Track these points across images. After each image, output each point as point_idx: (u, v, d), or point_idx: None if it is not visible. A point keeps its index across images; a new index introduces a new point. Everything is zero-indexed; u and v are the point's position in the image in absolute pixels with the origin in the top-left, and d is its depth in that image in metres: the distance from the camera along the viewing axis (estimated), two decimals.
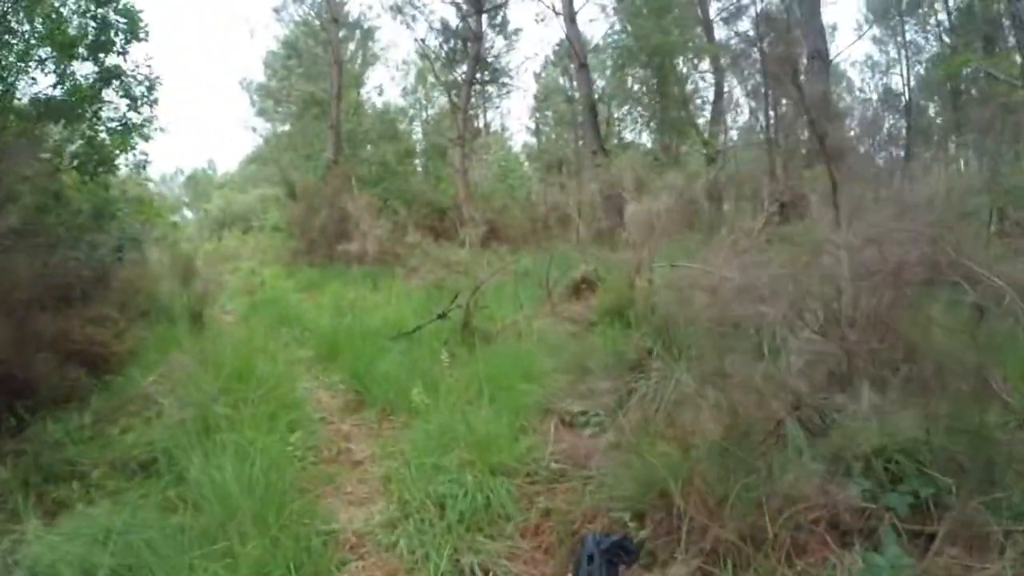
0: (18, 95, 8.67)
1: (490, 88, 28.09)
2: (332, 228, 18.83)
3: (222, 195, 49.83)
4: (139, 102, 9.92)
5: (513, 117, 45.09)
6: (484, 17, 22.74)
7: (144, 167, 12.74)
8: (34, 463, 4.96)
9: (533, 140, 33.72)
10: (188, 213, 60.11)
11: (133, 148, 10.18)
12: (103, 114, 9.56)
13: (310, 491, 4.57)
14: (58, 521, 4.11)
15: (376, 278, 14.04)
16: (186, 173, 66.96)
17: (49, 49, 8.54)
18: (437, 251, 11.86)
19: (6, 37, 8.06)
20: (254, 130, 30.41)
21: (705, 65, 23.80)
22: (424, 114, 30.82)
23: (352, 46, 27.98)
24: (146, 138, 11.80)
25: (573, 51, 20.83)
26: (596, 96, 21.96)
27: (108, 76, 9.27)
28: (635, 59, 22.74)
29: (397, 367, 6.75)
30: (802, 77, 12.83)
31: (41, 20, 8.37)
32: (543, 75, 31.65)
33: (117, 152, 9.73)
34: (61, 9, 8.62)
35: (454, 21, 22.93)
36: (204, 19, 78.90)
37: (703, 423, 3.73)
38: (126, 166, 12.09)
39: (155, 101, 10.11)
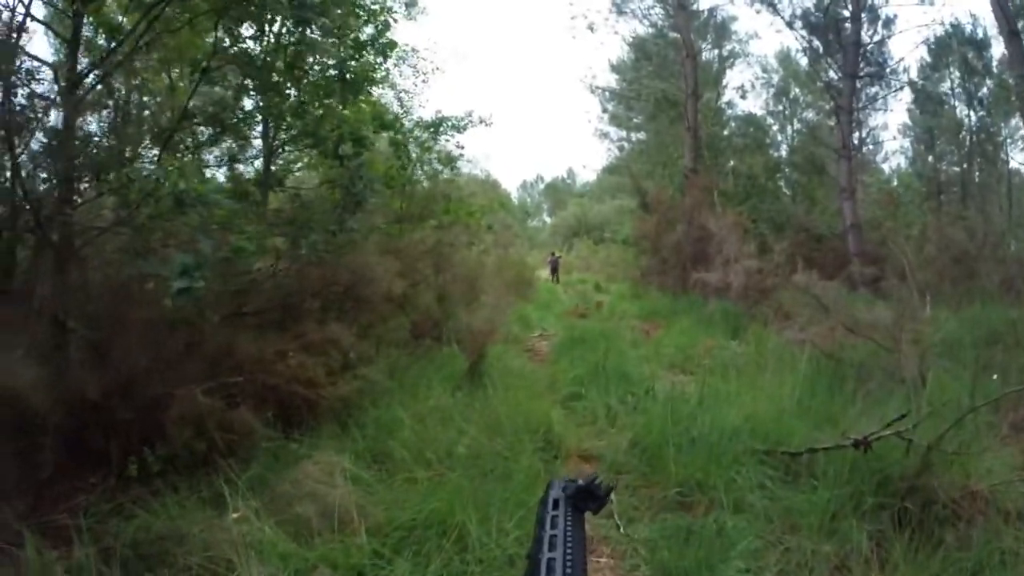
0: None
1: (873, 88, 21.97)
2: (688, 248, 16.13)
3: (578, 204, 50.37)
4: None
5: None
6: None
7: (455, 162, 11.11)
8: None
9: (902, 162, 26.87)
10: (547, 219, 63.00)
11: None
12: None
13: None
14: None
15: (738, 322, 10.78)
16: (546, 180, 70.35)
17: None
18: (828, 296, 7.73)
19: None
20: (606, 135, 28.18)
21: None
22: (791, 125, 25.89)
23: (707, 45, 24.28)
24: (458, 128, 10.21)
25: (1003, 16, 14.18)
26: None
27: None
28: None
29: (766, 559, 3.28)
30: None
31: None
32: (921, 80, 24.44)
33: (364, 126, 6.90)
34: None
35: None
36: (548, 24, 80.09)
37: None
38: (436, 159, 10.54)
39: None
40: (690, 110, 18.93)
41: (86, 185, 4.79)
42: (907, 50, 43.42)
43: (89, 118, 5.42)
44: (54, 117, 5.08)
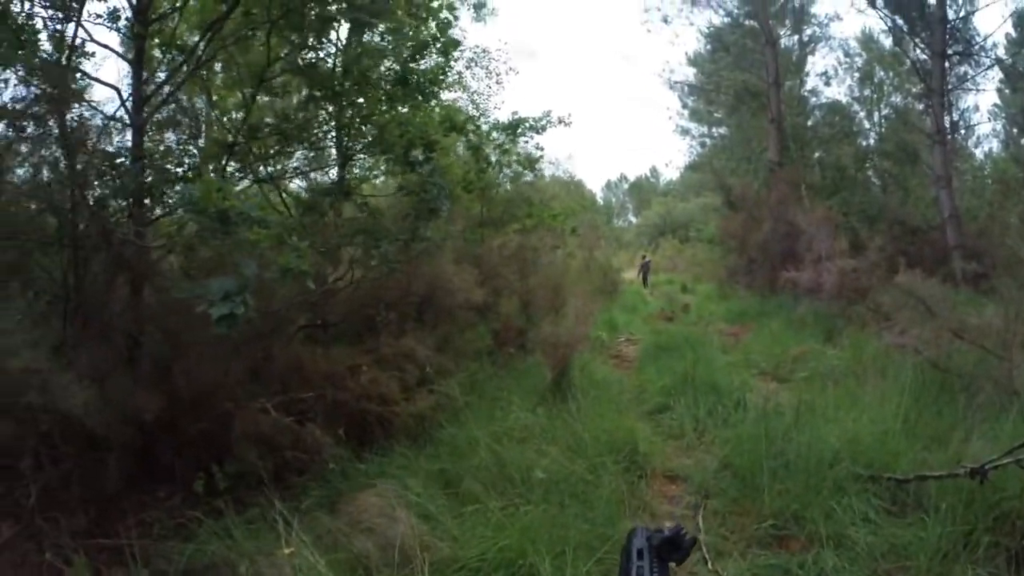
0: None
1: (962, 68, 20.13)
2: (776, 246, 15.40)
3: (662, 203, 49.67)
4: None
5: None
6: None
7: (536, 164, 10.92)
8: None
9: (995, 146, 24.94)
10: (632, 218, 62.50)
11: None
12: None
13: None
14: None
15: (832, 324, 10.15)
16: (630, 180, 69.64)
17: None
18: (935, 299, 6.98)
19: None
20: (687, 132, 27.34)
21: None
22: (878, 111, 24.35)
23: (786, 31, 23.15)
24: (536, 128, 10.01)
25: None
26: None
27: None
28: None
29: None
30: None
31: None
32: (1010, 57, 22.20)
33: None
34: None
35: None
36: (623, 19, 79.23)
37: None
38: (516, 162, 10.38)
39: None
40: (773, 100, 18.14)
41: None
42: (994, 25, 40.65)
43: (156, 137, 5.51)
44: (120, 138, 5.21)
